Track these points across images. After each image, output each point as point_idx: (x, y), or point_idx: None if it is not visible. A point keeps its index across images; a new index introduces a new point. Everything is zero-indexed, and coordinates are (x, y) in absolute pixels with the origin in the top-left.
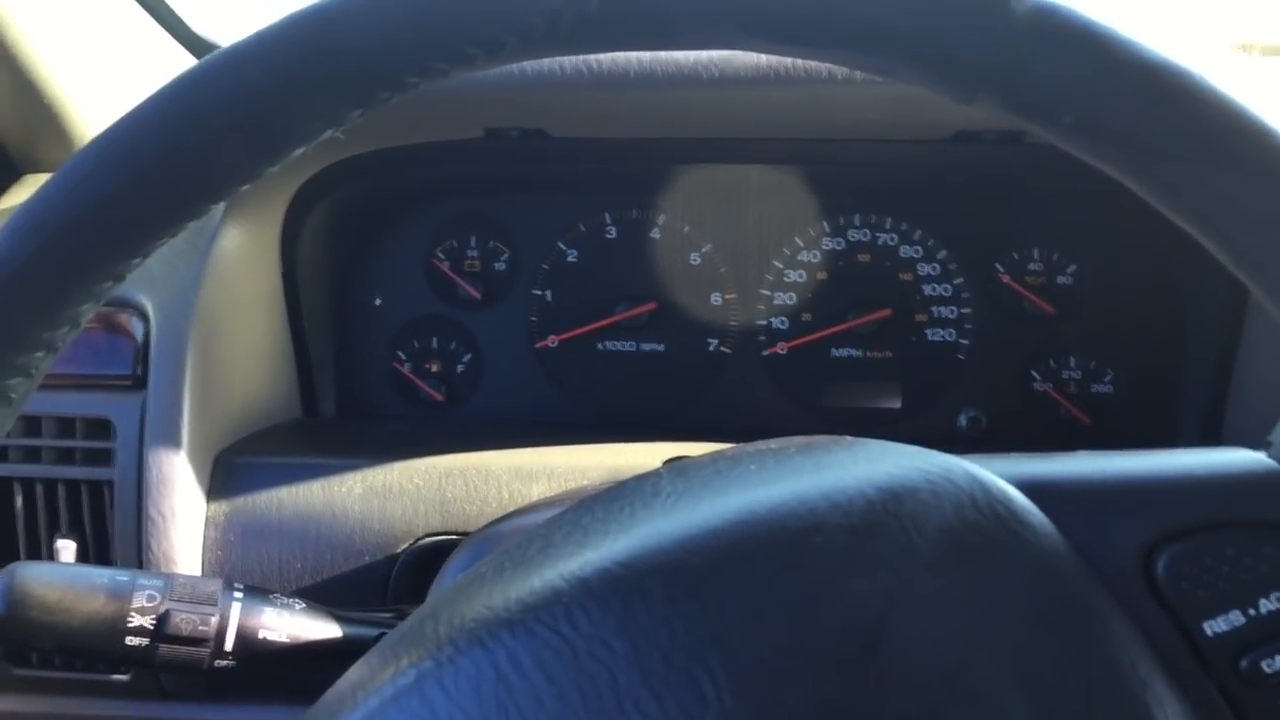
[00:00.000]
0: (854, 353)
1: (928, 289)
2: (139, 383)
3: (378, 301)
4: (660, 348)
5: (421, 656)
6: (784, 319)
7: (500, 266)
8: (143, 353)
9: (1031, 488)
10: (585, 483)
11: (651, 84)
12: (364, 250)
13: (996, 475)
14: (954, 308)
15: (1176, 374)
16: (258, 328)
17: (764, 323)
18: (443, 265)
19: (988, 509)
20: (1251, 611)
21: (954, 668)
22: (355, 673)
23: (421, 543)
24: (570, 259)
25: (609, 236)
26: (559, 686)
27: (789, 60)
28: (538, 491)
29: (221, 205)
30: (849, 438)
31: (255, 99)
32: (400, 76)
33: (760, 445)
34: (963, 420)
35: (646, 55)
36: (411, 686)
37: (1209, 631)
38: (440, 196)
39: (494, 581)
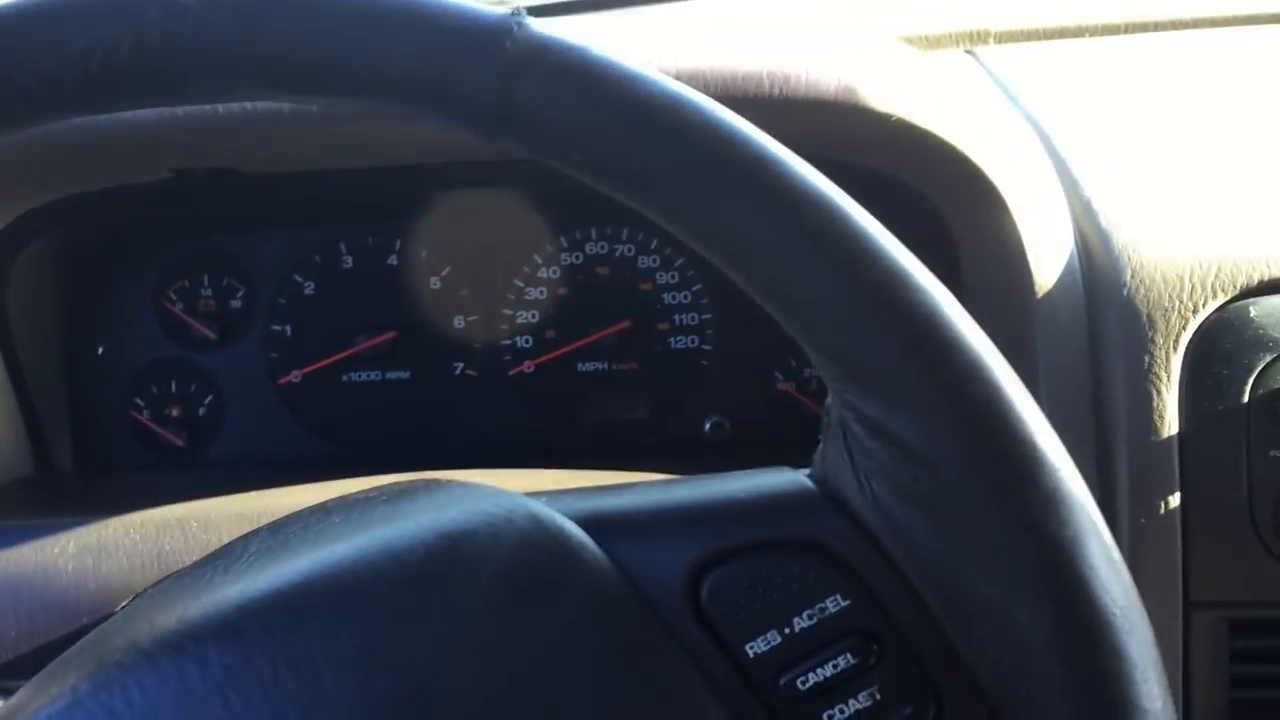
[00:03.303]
0: (600, 366)
1: (668, 297)
2: None
3: (100, 350)
4: (406, 375)
5: None
6: (528, 337)
7: (236, 304)
8: None
9: (589, 521)
10: None
11: (281, 122)
12: (89, 296)
13: (557, 512)
14: (694, 314)
15: None
16: None
17: (509, 343)
18: (175, 307)
19: (544, 547)
20: (787, 630)
21: (506, 714)
22: None
23: None
24: (308, 291)
25: (346, 266)
26: None
27: None
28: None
29: None
30: (441, 480)
31: None
32: None
33: (358, 494)
34: (707, 426)
35: None
36: None
37: (751, 653)
38: (164, 236)
39: (74, 657)
